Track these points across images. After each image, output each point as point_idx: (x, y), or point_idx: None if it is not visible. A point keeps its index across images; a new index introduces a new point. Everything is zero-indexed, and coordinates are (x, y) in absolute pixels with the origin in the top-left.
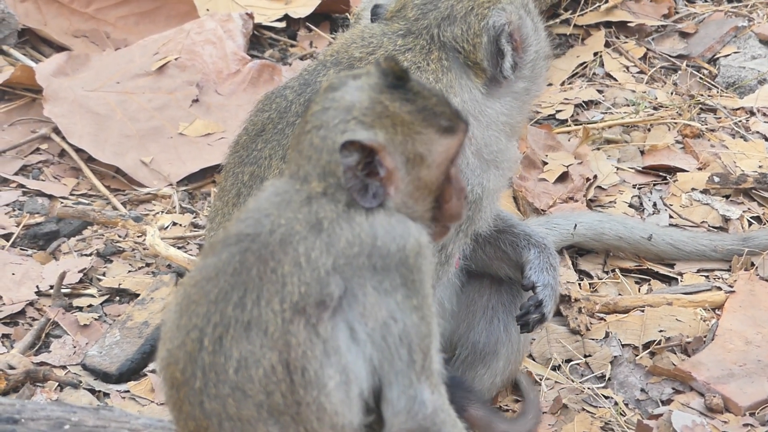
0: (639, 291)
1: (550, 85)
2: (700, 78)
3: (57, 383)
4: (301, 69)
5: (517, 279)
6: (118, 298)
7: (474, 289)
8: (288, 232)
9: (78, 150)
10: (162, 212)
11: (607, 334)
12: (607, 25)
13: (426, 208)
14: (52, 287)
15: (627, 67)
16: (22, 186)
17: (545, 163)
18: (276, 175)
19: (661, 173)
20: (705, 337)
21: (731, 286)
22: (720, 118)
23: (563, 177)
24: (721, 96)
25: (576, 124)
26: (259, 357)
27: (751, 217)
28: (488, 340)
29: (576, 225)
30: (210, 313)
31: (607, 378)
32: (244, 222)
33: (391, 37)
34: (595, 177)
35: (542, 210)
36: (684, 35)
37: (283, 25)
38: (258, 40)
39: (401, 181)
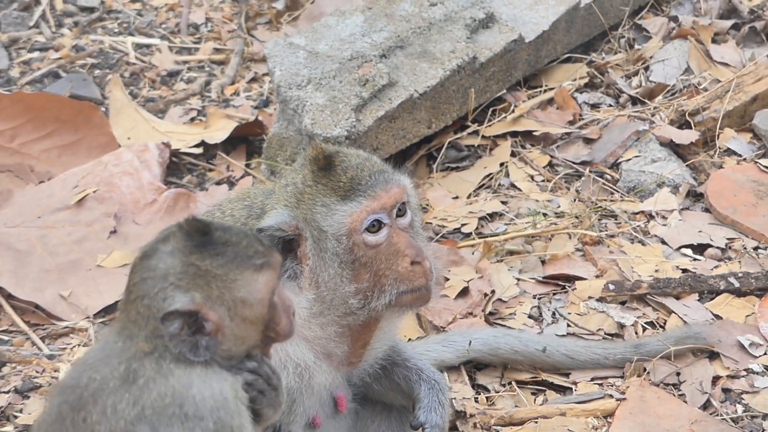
0: (534, 402)
1: (456, 198)
2: (603, 183)
3: None
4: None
5: (410, 409)
6: None
7: (367, 414)
8: (101, 386)
9: None
10: (78, 345)
11: None
12: (514, 134)
13: (258, 337)
14: None
15: (532, 176)
16: None
17: (447, 279)
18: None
19: (560, 282)
20: None
21: (623, 393)
22: (620, 223)
23: (464, 292)
24: (622, 200)
25: (480, 237)
26: None
27: (645, 323)
28: None
29: (471, 342)
30: None
31: None
32: (71, 374)
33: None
34: (493, 292)
35: (442, 327)
36: (588, 141)
37: (200, 150)
38: (177, 166)
39: (228, 327)
